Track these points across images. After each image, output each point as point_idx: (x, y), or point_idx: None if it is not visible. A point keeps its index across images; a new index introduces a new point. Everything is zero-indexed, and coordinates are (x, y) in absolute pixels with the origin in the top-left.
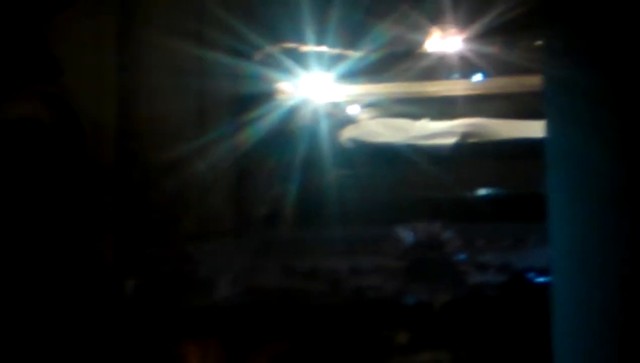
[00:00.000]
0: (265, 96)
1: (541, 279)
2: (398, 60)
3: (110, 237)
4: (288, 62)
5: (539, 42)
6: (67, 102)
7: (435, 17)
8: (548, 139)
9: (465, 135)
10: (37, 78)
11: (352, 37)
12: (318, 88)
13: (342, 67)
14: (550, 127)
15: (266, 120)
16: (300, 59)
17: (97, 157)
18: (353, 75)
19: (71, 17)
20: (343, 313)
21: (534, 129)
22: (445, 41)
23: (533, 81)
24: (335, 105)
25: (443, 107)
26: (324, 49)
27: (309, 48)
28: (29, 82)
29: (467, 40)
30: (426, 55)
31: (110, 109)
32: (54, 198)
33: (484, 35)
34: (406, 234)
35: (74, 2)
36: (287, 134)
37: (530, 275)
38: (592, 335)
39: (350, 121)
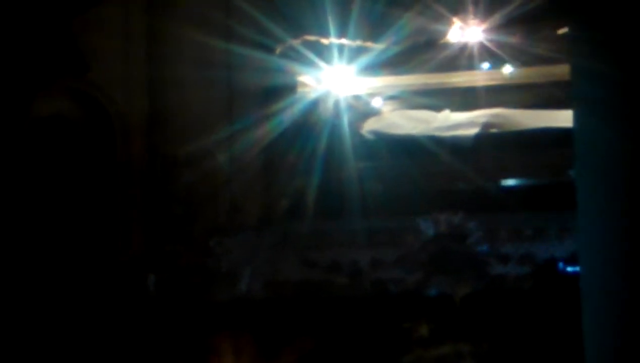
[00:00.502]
0: (288, 89)
1: (570, 269)
2: (420, 52)
3: (139, 230)
4: (310, 55)
5: (560, 32)
6: (95, 98)
7: (457, 8)
8: (576, 129)
9: (486, 126)
10: (65, 74)
11: (373, 29)
12: (340, 81)
13: (364, 59)
14: (578, 117)
15: (288, 113)
16: (322, 51)
17: (126, 152)
18: (375, 67)
19: (101, 13)
20: (364, 306)
21: (556, 118)
22: (466, 32)
23: (554, 71)
24: (357, 97)
25: (465, 98)
26: (345, 41)
27: (331, 41)
28: (57, 78)
29: (488, 30)
30: (448, 45)
31: (139, 102)
32: (83, 194)
33: (505, 26)
34: (427, 226)
35: None
36: (309, 126)
37: (560, 264)
38: (622, 325)
39: (372, 113)
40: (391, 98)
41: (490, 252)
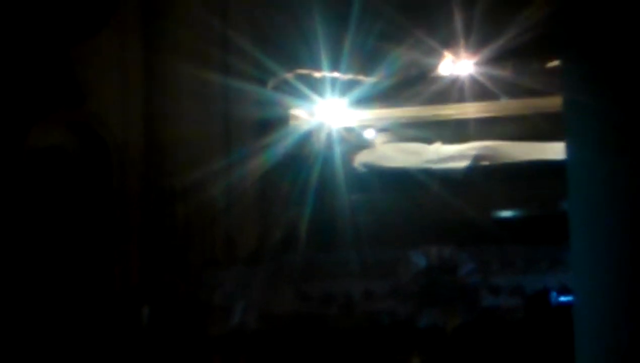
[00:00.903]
0: (281, 122)
1: (563, 299)
2: (412, 85)
3: (135, 261)
4: (303, 88)
5: (549, 65)
6: (92, 129)
7: (448, 42)
8: (568, 162)
9: (477, 158)
10: (62, 105)
11: (366, 62)
12: (332, 113)
13: (356, 92)
14: (570, 150)
15: (282, 145)
16: (314, 84)
17: (123, 183)
18: (367, 100)
19: (98, 45)
20: (357, 337)
21: (546, 150)
22: (457, 65)
23: (544, 103)
24: (350, 130)
25: (456, 130)
26: (337, 75)
27: (323, 74)
28: (55, 109)
29: (479, 63)
30: (439, 78)
31: (136, 134)
32: (79, 225)
33: (496, 59)
34: (419, 258)
35: (100, 30)
36: (302, 158)
37: (553, 295)
38: (615, 356)
39: (365, 145)
40: (383, 130)
41: (481, 283)
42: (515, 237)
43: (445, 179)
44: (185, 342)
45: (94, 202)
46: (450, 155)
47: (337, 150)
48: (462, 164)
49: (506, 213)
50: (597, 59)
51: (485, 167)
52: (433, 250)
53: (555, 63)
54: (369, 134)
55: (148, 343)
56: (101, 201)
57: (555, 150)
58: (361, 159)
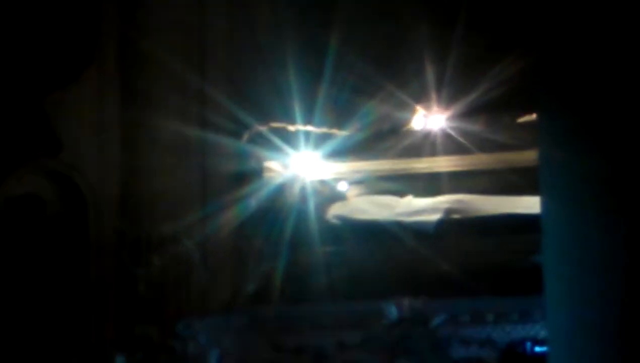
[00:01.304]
0: (255, 174)
1: (538, 349)
2: (384, 138)
3: (111, 312)
4: (277, 141)
5: (520, 120)
6: (68, 177)
7: (420, 97)
8: (543, 216)
9: (448, 212)
10: (39, 153)
11: (339, 116)
12: (306, 166)
13: (330, 145)
14: (545, 205)
15: (256, 197)
16: (288, 137)
17: (99, 232)
18: (341, 152)
19: (75, 94)
20: None
21: (517, 204)
22: (429, 119)
23: (515, 158)
24: (324, 182)
25: (429, 184)
26: (311, 128)
27: (297, 127)
28: (31, 157)
29: (451, 118)
30: (412, 132)
31: (112, 184)
32: (54, 274)
33: (467, 114)
34: (391, 310)
35: (77, 79)
36: (276, 211)
37: (527, 345)
38: None
39: (338, 198)
40: (357, 183)
41: (452, 335)
42: (486, 289)
43: (417, 232)
44: None
45: (69, 251)
46: (422, 208)
47: (311, 203)
48: (434, 217)
49: (477, 266)
50: (574, 113)
51: (457, 220)
52: (405, 302)
53: (526, 118)
54: (343, 187)
55: None
56: (77, 250)
57: (526, 204)
58: (334, 211)
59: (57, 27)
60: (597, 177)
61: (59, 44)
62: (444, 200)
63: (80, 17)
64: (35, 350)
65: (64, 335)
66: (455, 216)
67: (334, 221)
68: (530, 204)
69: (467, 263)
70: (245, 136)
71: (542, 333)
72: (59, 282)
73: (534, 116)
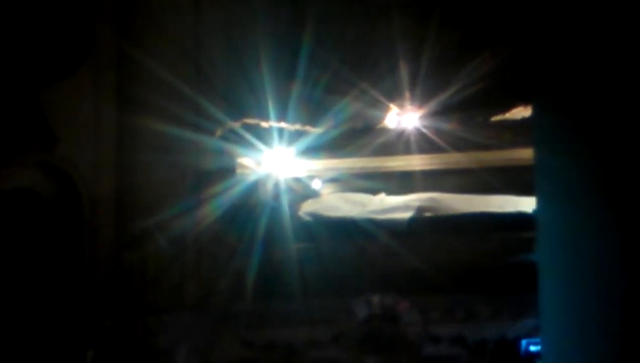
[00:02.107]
0: (229, 171)
1: (533, 348)
2: (358, 136)
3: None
4: (250, 138)
5: (493, 119)
6: (63, 171)
7: (394, 95)
8: (539, 214)
9: (420, 210)
10: (33, 147)
11: (312, 113)
12: (280, 163)
13: (304, 142)
14: (541, 202)
15: (229, 194)
16: (261, 134)
17: (95, 227)
18: (314, 150)
19: (71, 88)
20: None
21: (488, 203)
22: (403, 118)
23: (488, 157)
24: (297, 179)
25: (402, 182)
26: (284, 125)
27: (270, 124)
28: (25, 151)
29: (424, 116)
30: (385, 131)
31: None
32: (47, 268)
33: (441, 113)
34: (361, 307)
35: (73, 72)
36: (249, 207)
37: (522, 343)
38: None
39: (311, 195)
40: (331, 180)
41: (422, 332)
42: (457, 287)
43: (389, 229)
44: None
45: (63, 246)
46: (394, 206)
47: (284, 200)
48: (406, 214)
49: (448, 264)
50: (568, 112)
51: (429, 218)
52: (375, 299)
53: (499, 117)
54: (316, 184)
55: None
56: (71, 245)
57: (498, 203)
58: (306, 208)
59: (52, 20)
60: (592, 176)
61: (55, 37)
62: (416, 198)
63: (76, 11)
64: (26, 345)
65: (56, 330)
66: (428, 214)
67: (306, 218)
68: (502, 203)
69: (439, 261)
70: (218, 133)
71: (512, 332)
72: (52, 276)
73: (506, 115)
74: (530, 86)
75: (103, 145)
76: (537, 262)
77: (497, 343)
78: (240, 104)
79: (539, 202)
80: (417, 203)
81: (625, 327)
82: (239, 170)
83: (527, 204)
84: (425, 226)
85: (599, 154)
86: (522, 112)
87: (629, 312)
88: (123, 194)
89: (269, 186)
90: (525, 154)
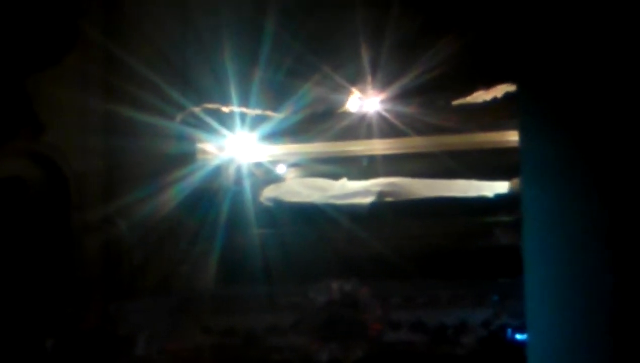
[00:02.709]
0: (190, 156)
1: (519, 337)
2: (320, 121)
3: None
4: (211, 123)
5: (455, 103)
6: (51, 160)
7: (355, 79)
8: (524, 199)
9: (381, 194)
10: (19, 135)
11: (275, 98)
12: (241, 148)
13: (266, 127)
14: (525, 187)
15: (190, 179)
16: (222, 119)
17: (82, 215)
18: (277, 135)
19: (58, 75)
20: None
21: (450, 188)
22: (365, 102)
23: (449, 141)
24: (259, 164)
25: (364, 167)
26: (246, 110)
27: (231, 109)
28: (11, 139)
29: (386, 100)
30: (347, 115)
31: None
32: (34, 256)
33: (402, 96)
34: (321, 292)
35: (60, 60)
36: (210, 193)
37: (508, 332)
38: None
39: (274, 180)
40: (294, 165)
41: (382, 318)
42: (418, 272)
43: (350, 215)
44: None
45: (50, 234)
46: (355, 191)
47: (246, 185)
48: (367, 199)
49: (410, 249)
50: (554, 97)
51: (390, 203)
52: (335, 284)
53: (460, 100)
54: (280, 169)
55: None
56: (58, 233)
57: (460, 188)
58: (267, 193)
59: (37, 6)
60: (578, 161)
61: (40, 23)
62: (377, 183)
63: None
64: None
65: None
66: (389, 199)
67: (267, 203)
68: (464, 187)
69: (400, 246)
70: (179, 118)
71: (473, 318)
72: (39, 264)
73: (467, 99)
74: (515, 69)
75: (90, 131)
76: (523, 248)
77: (482, 331)
78: (202, 88)
79: (523, 187)
80: (378, 188)
81: (614, 313)
82: (200, 155)
83: (488, 188)
84: (386, 211)
85: (585, 137)
86: (483, 96)
87: (618, 298)
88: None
89: (231, 171)
90: (486, 138)
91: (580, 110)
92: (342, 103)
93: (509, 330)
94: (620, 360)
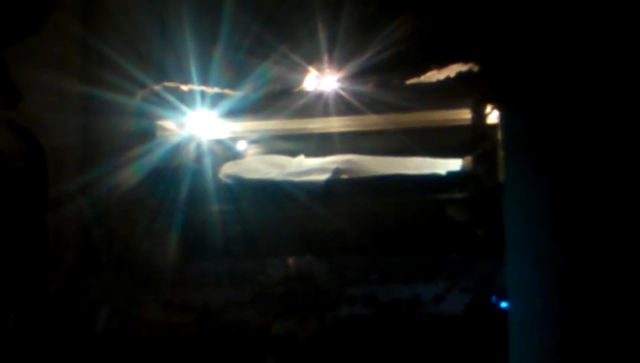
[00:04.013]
0: (150, 133)
1: (503, 305)
2: (279, 98)
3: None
4: (171, 100)
5: (408, 82)
6: (27, 130)
7: (312, 58)
8: (506, 174)
9: (337, 171)
10: None
11: (234, 76)
12: (202, 125)
13: (225, 105)
14: (507, 163)
15: (149, 157)
16: (183, 97)
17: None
18: (237, 112)
19: (35, 45)
20: (213, 345)
21: (406, 165)
22: (322, 80)
23: (404, 119)
24: (220, 141)
25: (322, 144)
26: (204, 88)
27: (190, 87)
28: None
29: (342, 79)
30: (305, 93)
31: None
32: (10, 228)
33: (358, 75)
34: (277, 268)
35: (36, 30)
36: (171, 170)
37: (492, 299)
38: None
39: (233, 157)
40: (255, 142)
41: (337, 293)
42: (372, 248)
43: (306, 191)
44: (51, 347)
45: (27, 206)
46: (312, 168)
47: (206, 162)
48: (322, 176)
49: (364, 226)
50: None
51: (345, 180)
52: (290, 260)
53: (414, 80)
54: (242, 146)
55: (13, 348)
56: (35, 205)
57: (414, 165)
58: (225, 170)
59: None
60: (556, 136)
61: None
62: (333, 161)
63: None
64: None
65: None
66: (344, 176)
67: (226, 180)
68: (418, 165)
69: (355, 223)
70: (139, 95)
71: (426, 293)
72: (15, 236)
73: (421, 78)
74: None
75: (66, 104)
76: (504, 221)
77: (472, 299)
78: (163, 67)
79: (506, 164)
80: (334, 166)
81: (596, 284)
82: (160, 133)
83: (441, 166)
84: (341, 188)
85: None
86: (436, 75)
87: (597, 269)
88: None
89: (191, 148)
90: (440, 116)
91: (562, 109)
92: (300, 82)
93: (493, 299)
94: (593, 327)
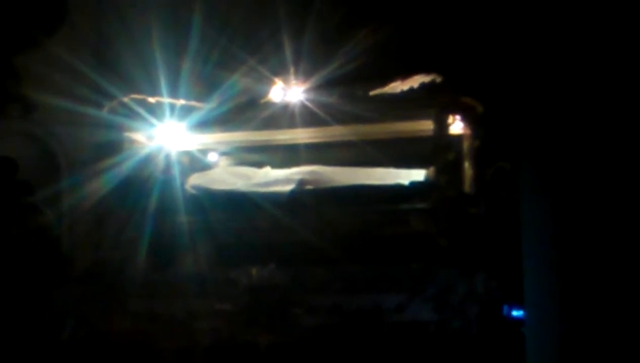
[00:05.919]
0: (118, 145)
1: (515, 314)
2: (246, 110)
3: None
4: (140, 112)
5: (372, 93)
6: (41, 140)
7: (278, 70)
8: (521, 181)
9: (302, 182)
10: (10, 115)
11: (202, 88)
12: (171, 137)
13: (194, 117)
14: (524, 170)
15: (119, 169)
16: (151, 109)
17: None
18: (205, 124)
19: (47, 54)
20: (178, 355)
21: (370, 175)
22: (288, 92)
23: (369, 130)
24: (189, 153)
25: (288, 155)
26: (172, 100)
27: (158, 99)
28: (2, 119)
29: (308, 90)
30: (271, 105)
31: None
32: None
33: (323, 87)
34: (241, 278)
35: (49, 36)
36: (139, 182)
37: (504, 308)
38: None
39: (202, 169)
40: (225, 154)
41: (299, 302)
42: (336, 258)
43: (271, 202)
44: (15, 354)
45: (41, 216)
46: (277, 179)
47: (174, 173)
48: (287, 187)
49: (328, 236)
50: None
51: (310, 191)
52: (253, 270)
53: (378, 90)
54: (213, 158)
55: None
56: (48, 214)
57: (379, 176)
58: (192, 181)
59: None
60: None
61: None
62: (298, 171)
63: None
64: None
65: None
66: (309, 187)
67: (192, 191)
68: (382, 175)
69: (319, 233)
70: (107, 107)
71: (387, 302)
72: (27, 248)
73: (385, 89)
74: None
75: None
76: (521, 227)
77: (482, 309)
78: (130, 78)
79: (522, 170)
80: (299, 176)
81: (611, 290)
82: (129, 144)
83: (405, 176)
84: (305, 198)
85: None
86: (400, 86)
87: (615, 274)
88: None
89: (159, 160)
90: (403, 127)
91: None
92: (266, 93)
93: (505, 308)
94: (616, 338)
